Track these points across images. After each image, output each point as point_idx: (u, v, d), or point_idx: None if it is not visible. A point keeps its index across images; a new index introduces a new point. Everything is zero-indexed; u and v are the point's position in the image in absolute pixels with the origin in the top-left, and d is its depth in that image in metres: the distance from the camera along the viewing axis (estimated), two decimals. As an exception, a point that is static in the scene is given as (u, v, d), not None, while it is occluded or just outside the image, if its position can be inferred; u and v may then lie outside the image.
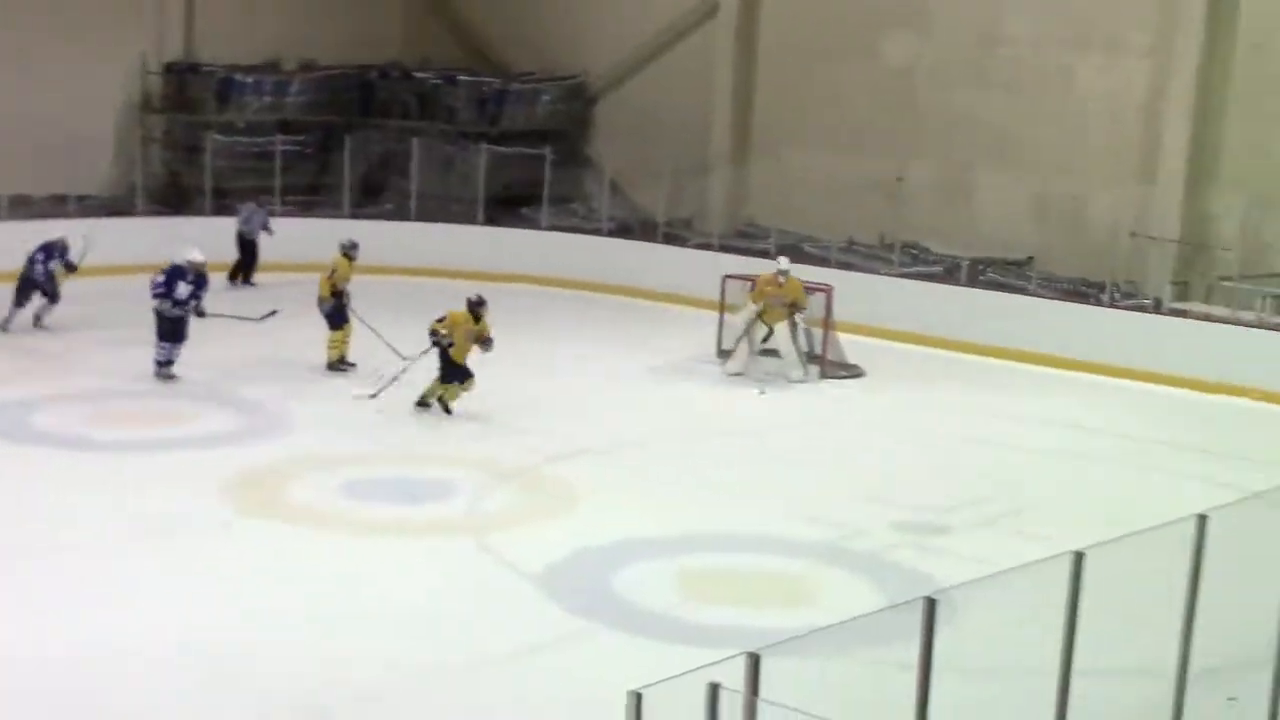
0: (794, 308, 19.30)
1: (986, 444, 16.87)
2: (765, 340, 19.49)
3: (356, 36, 29.02)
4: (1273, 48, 21.64)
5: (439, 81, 28.84)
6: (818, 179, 24.58)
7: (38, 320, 19.85)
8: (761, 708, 5.77)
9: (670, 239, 25.43)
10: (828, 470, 15.53)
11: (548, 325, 21.44)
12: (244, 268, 23.91)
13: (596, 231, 26.00)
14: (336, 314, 18.45)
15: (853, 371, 19.90)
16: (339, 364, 18.45)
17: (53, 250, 19.90)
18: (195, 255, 17.58)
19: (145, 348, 17.57)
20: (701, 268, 22.86)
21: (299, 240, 23.66)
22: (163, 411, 16.41)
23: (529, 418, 16.83)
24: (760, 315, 19.26)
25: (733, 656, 5.80)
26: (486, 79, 28.99)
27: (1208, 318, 21.01)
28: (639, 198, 27.18)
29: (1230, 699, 8.76)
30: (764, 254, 23.49)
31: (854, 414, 18.09)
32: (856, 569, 12.47)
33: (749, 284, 19.79)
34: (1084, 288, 22.26)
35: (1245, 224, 20.44)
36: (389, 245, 24.68)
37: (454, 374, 16.42)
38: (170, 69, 27.43)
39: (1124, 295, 22.00)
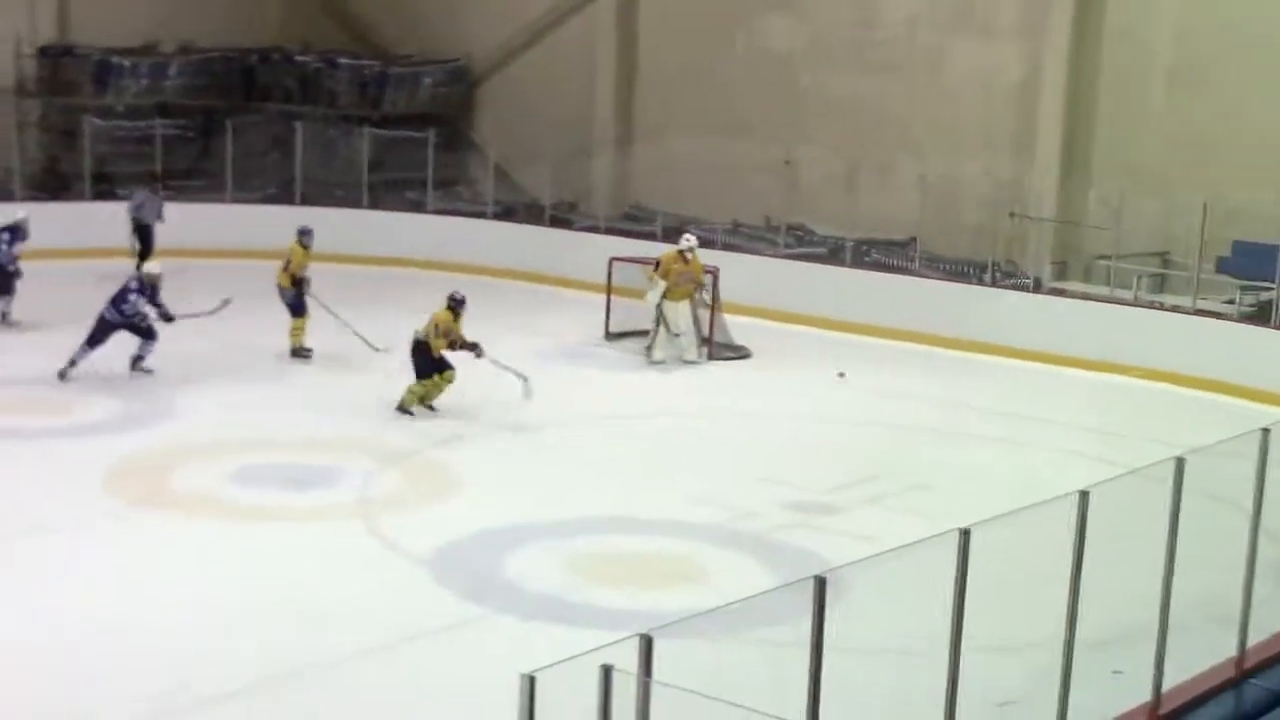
0: (697, 285, 19.34)
1: (875, 423, 17.03)
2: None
3: (234, 19, 28.64)
4: (1137, 35, 22.08)
5: (320, 65, 28.57)
6: (702, 161, 24.66)
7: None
8: (654, 689, 5.77)
9: (556, 222, 25.40)
10: (718, 452, 15.59)
11: (434, 309, 21.26)
12: (139, 255, 23.44)
13: (482, 215, 25.90)
14: (298, 302, 18.51)
15: (740, 352, 19.99)
16: (300, 351, 18.48)
17: (17, 232, 19.63)
18: (154, 268, 17.55)
19: (51, 334, 17.23)
20: (588, 251, 22.87)
21: (183, 225, 23.37)
22: (60, 402, 16.09)
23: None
24: (666, 294, 19.20)
25: (625, 639, 5.79)
26: (367, 62, 28.75)
27: (1086, 296, 21.37)
28: (524, 181, 27.12)
29: (1116, 672, 8.91)
30: (650, 236, 23.56)
31: (743, 395, 18.17)
32: (747, 550, 12.52)
33: (654, 264, 19.72)
34: (966, 268, 22.53)
35: (1119, 203, 20.80)
36: (274, 230, 24.40)
37: (430, 368, 16.10)
38: (44, 52, 26.88)
39: (1005, 275, 22.31)
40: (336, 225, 25.07)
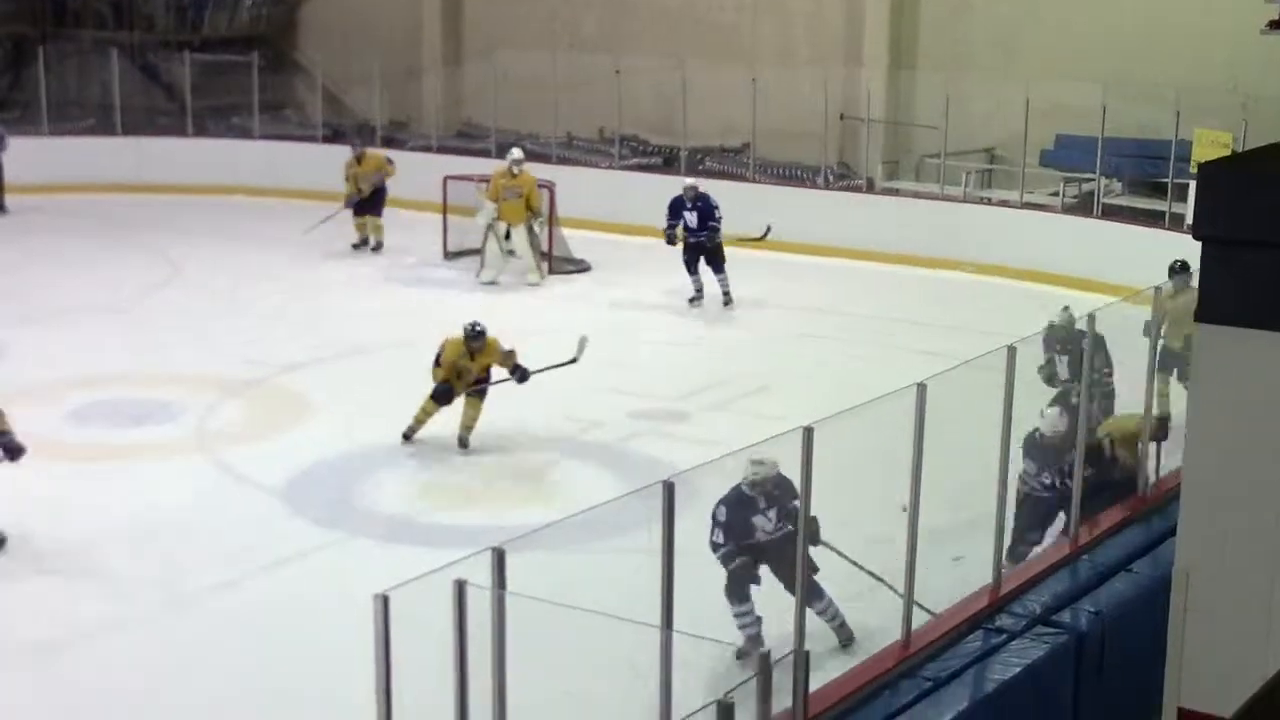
0: (530, 211, 19.21)
1: (717, 329, 17.19)
2: (507, 238, 19.39)
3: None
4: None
5: (132, -12, 27.79)
6: (533, 76, 24.45)
7: None
8: (509, 601, 5.82)
9: (388, 143, 25.06)
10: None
11: (268, 236, 20.97)
12: None
13: (312, 138, 25.48)
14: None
15: (579, 266, 20.02)
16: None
17: None
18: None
19: None
20: (422, 170, 22.63)
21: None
22: None
23: (254, 330, 16.53)
24: (498, 215, 19.11)
25: (477, 553, 5.83)
26: (184, -16, 28.03)
27: (918, 195, 21.73)
28: (353, 102, 26.72)
29: (956, 558, 9.16)
30: (484, 154, 23.39)
31: (584, 308, 18.20)
32: (597, 460, 12.62)
33: (483, 183, 19.62)
34: (800, 171, 22.75)
35: (945, 102, 21.08)
36: (95, 162, 23.88)
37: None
38: None
39: (838, 177, 22.57)
40: (161, 154, 24.64)
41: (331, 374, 15.15)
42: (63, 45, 26.81)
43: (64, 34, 27.29)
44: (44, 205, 22.56)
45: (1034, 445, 9.68)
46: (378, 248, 20.72)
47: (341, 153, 21.66)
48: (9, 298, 17.55)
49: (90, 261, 19.60)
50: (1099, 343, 10.34)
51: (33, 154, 23.37)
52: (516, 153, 19.55)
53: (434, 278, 19.55)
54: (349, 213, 20.76)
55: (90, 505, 11.46)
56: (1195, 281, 5.97)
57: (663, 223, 18.45)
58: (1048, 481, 9.69)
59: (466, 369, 12.87)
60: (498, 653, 5.82)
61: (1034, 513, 9.69)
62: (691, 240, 18.12)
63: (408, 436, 12.83)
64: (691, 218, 18.07)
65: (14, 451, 10.39)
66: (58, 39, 26.96)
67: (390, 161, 21.03)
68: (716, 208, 18.12)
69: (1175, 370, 11.92)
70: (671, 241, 18.30)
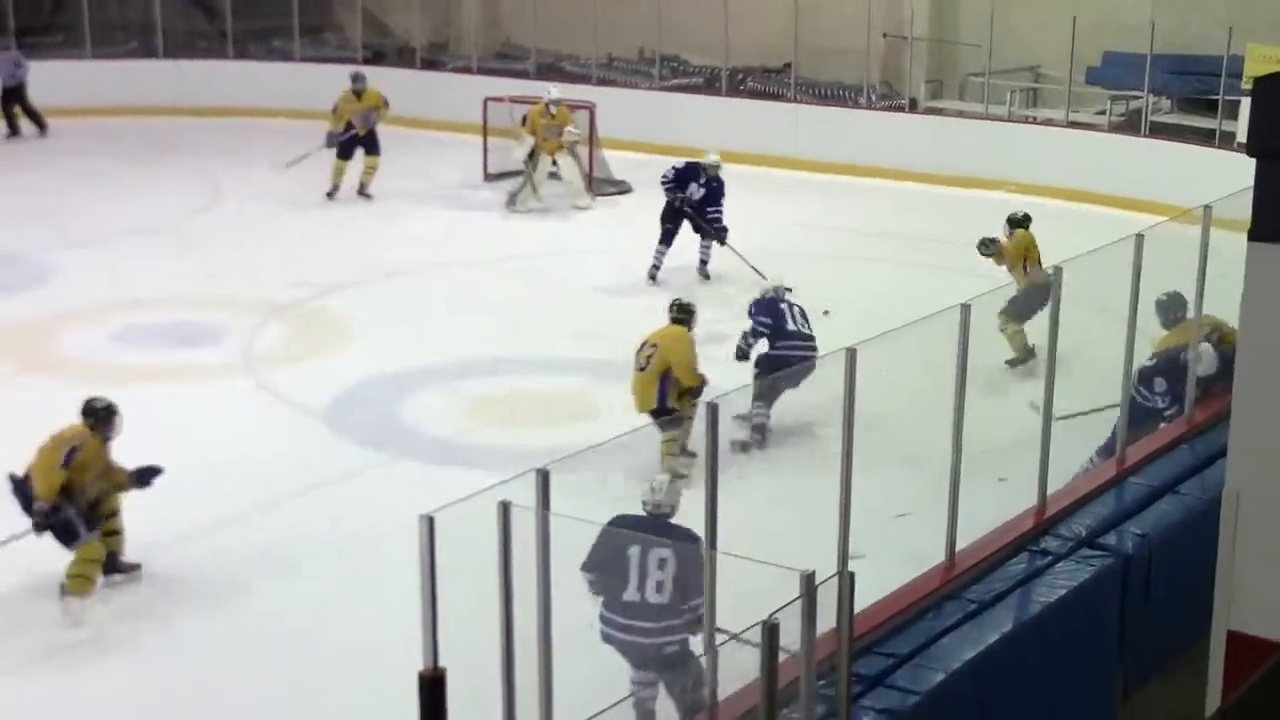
0: (561, 134, 19.07)
1: (757, 250, 17.06)
2: (553, 164, 19.28)
3: None
4: None
5: (172, -90, 27.57)
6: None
7: None
8: (553, 522, 5.83)
9: (428, 64, 24.97)
10: (605, 286, 15.59)
11: (310, 158, 20.93)
12: (29, 116, 22.63)
13: (351, 61, 25.32)
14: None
15: (620, 187, 19.94)
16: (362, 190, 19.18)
17: None
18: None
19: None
20: (462, 92, 22.55)
21: (48, 85, 22.70)
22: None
23: (297, 252, 16.54)
24: (536, 148, 18.99)
25: (522, 474, 5.83)
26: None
27: (961, 114, 21.50)
28: (393, 24, 26.59)
29: (1001, 479, 9.12)
30: (523, 75, 23.27)
31: (627, 230, 18.12)
32: (637, 382, 12.58)
33: (521, 115, 19.48)
34: (842, 91, 22.53)
35: (990, 19, 20.80)
36: (137, 85, 23.86)
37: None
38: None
39: (881, 97, 22.36)
40: (202, 77, 24.60)
41: (374, 296, 15.17)
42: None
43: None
44: (86, 128, 22.59)
45: (1173, 367, 9.80)
46: (363, 190, 19.18)
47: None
48: (51, 221, 17.62)
49: (132, 184, 19.66)
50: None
51: (75, 77, 23.39)
52: (554, 91, 19.34)
53: (475, 200, 19.51)
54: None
55: (135, 426, 11.48)
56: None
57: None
58: (1167, 401, 9.84)
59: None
60: (542, 574, 5.84)
61: (1139, 419, 9.71)
62: (689, 210, 16.09)
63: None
64: (699, 191, 16.08)
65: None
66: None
67: (386, 104, 19.25)
68: (724, 197, 16.16)
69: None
70: (674, 205, 16.11)
